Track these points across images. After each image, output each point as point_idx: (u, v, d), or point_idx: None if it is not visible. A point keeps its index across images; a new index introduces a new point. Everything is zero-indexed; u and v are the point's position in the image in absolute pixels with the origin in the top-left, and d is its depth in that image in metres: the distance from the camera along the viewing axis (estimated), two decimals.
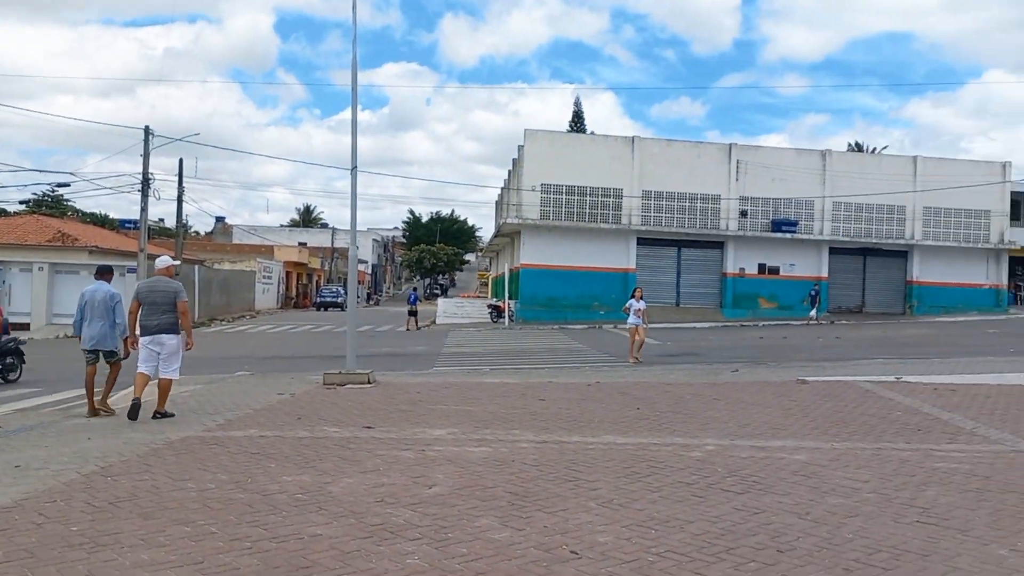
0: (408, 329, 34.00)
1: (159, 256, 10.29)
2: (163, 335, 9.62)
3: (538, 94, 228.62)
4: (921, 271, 38.40)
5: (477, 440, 8.27)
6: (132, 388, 9.99)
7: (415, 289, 40.89)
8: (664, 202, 36.99)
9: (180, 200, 39.43)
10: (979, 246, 38.62)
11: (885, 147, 78.22)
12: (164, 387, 9.80)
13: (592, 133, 37.91)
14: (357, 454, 7.55)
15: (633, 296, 18.76)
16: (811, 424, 9.19)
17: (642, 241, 36.85)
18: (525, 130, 36.80)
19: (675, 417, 9.72)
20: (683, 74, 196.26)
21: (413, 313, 35.34)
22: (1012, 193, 39.50)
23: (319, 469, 6.93)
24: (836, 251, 37.98)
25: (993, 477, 6.70)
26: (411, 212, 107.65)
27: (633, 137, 37.15)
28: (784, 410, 10.17)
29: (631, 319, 18.27)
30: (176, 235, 41.77)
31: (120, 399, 11.02)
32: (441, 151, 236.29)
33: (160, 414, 9.69)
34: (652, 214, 36.92)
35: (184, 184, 39.67)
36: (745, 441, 8.26)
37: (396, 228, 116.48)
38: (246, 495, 6.06)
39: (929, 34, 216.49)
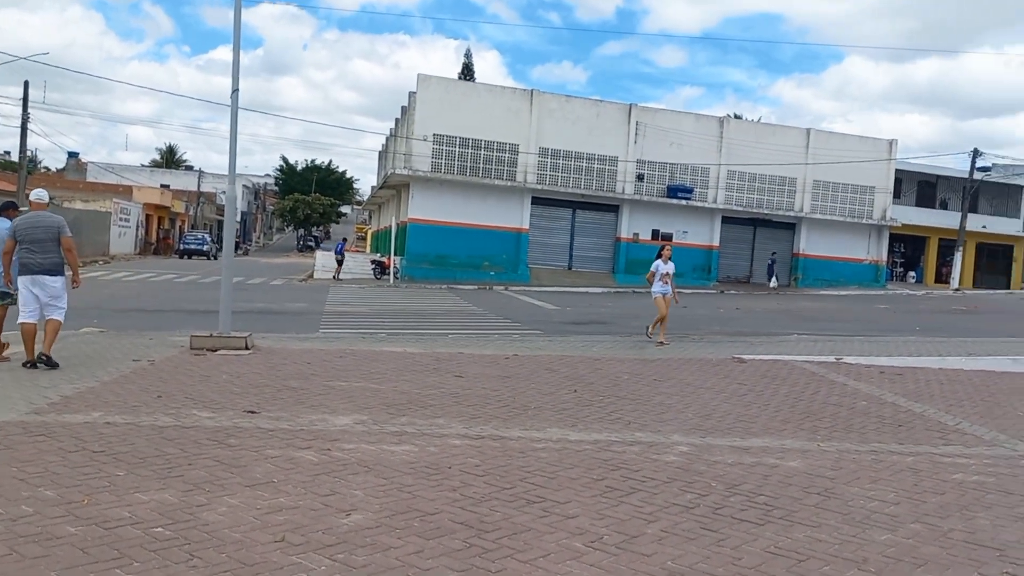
0: (334, 278, 34.35)
1: (34, 190, 9.49)
2: (46, 276, 8.88)
3: (420, 47, 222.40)
4: (807, 244, 38.88)
5: (395, 434, 6.53)
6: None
7: (343, 240, 39.29)
8: (561, 161, 35.66)
9: (24, 128, 34.97)
10: (863, 222, 39.44)
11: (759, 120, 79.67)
12: (53, 329, 8.92)
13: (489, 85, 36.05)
14: (240, 455, 5.67)
15: (660, 256, 14.05)
16: (780, 417, 7.95)
17: (537, 200, 35.45)
18: (418, 75, 34.50)
19: (622, 403, 8.28)
20: (566, 37, 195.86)
21: (339, 263, 35.35)
22: (895, 171, 40.45)
23: (188, 480, 5.04)
24: (728, 220, 37.86)
25: None
26: (284, 160, 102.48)
27: (532, 91, 35.50)
28: (739, 397, 8.92)
29: (656, 287, 13.94)
30: (19, 167, 37.15)
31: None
32: (318, 99, 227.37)
33: (45, 359, 8.72)
34: (548, 172, 35.54)
35: (30, 111, 35.20)
36: (720, 440, 6.89)
37: (268, 175, 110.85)
38: (79, 528, 4.15)
39: (798, 16, 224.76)
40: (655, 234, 37.02)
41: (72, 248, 9.11)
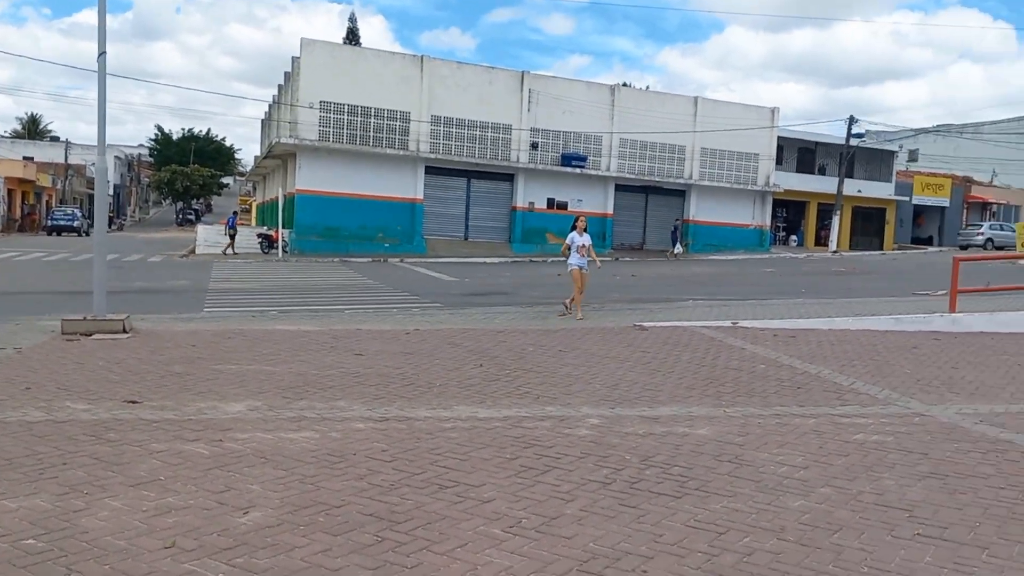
0: (225, 253, 32.96)
1: None
2: None
3: (302, 11, 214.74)
4: (697, 210, 39.82)
5: (293, 419, 6.15)
6: None
7: (235, 213, 37.53)
8: (454, 129, 35.13)
9: None
10: (748, 188, 40.66)
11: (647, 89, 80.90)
12: None
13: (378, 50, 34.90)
14: (122, 451, 5.19)
15: (574, 228, 13.46)
16: (685, 384, 7.97)
17: (430, 170, 34.87)
18: (302, 39, 33.16)
19: (529, 376, 8.12)
20: (454, 3, 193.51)
21: (231, 237, 34.01)
22: (777, 139, 41.80)
23: (63, 483, 4.56)
24: (621, 188, 38.31)
25: (931, 455, 5.72)
26: (159, 129, 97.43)
27: (422, 57, 34.74)
28: (643, 365, 8.92)
29: (573, 259, 13.22)
30: None
31: None
32: (193, 65, 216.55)
33: None
34: (441, 141, 34.97)
35: None
36: (628, 410, 6.83)
37: (142, 146, 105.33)
38: None
39: None
40: (550, 203, 37.13)
41: None
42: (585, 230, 13.50)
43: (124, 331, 10.16)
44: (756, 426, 6.37)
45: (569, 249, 13.31)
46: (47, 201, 64.73)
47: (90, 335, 9.87)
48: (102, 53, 10.10)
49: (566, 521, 4.20)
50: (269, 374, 7.83)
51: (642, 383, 7.95)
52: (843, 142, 43.42)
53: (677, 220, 38.70)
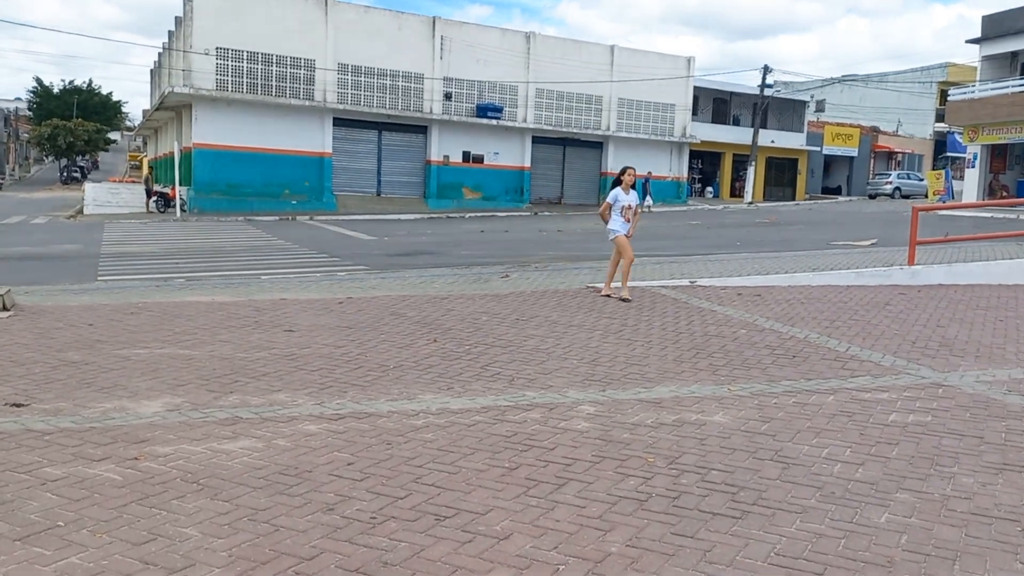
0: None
1: None
2: None
3: None
4: (615, 162, 39.13)
5: (227, 422, 4.96)
6: None
7: (150, 169, 34.91)
8: (363, 78, 33.21)
9: None
10: (665, 139, 40.23)
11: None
12: None
13: None
14: (4, 482, 3.92)
15: (619, 183, 10.37)
16: (671, 356, 7.10)
17: (339, 122, 32.94)
18: None
19: (494, 352, 7.09)
20: None
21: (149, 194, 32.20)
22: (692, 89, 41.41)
23: None
24: (539, 140, 37.23)
25: (987, 438, 5.00)
26: (38, 81, 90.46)
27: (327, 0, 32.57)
28: (615, 334, 8.00)
29: (616, 222, 10.23)
30: None
31: None
32: (72, 14, 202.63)
33: None
34: (350, 91, 33.01)
35: None
36: (621, 391, 5.90)
37: (19, 100, 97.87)
38: None
39: None
40: (466, 156, 35.79)
41: None
42: (633, 186, 10.50)
43: (4, 308, 8.58)
44: (775, 408, 5.53)
45: (610, 210, 10.27)
46: None
47: None
48: None
49: (617, 568, 3.22)
50: (187, 360, 6.54)
51: (623, 357, 7.03)
52: (756, 93, 43.43)
53: (649, 172, 37.30)
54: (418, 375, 6.27)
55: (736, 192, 45.18)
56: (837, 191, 50.72)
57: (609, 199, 10.37)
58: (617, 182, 10.48)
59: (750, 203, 41.52)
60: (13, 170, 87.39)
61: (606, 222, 10.41)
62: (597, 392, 5.88)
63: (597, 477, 4.17)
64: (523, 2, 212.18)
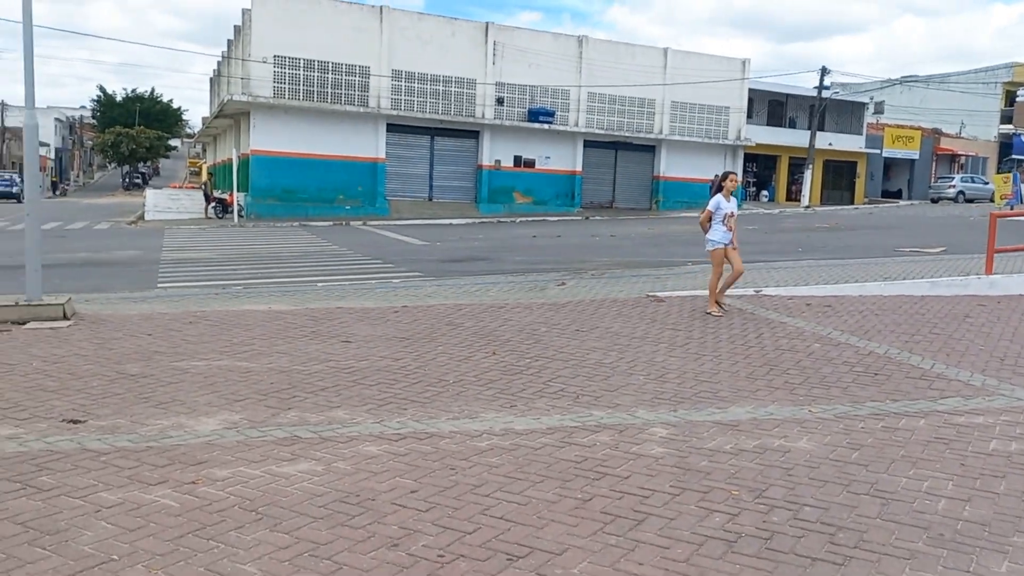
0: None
1: None
2: None
3: None
4: (667, 166, 38.61)
5: (285, 443, 4.78)
6: None
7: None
8: (416, 84, 33.26)
9: None
10: (719, 142, 39.52)
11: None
12: None
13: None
14: (57, 506, 3.78)
15: (720, 189, 9.71)
16: (743, 373, 6.75)
17: (392, 127, 33.02)
18: None
19: (555, 366, 6.83)
20: None
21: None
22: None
23: None
24: (590, 144, 36.86)
25: None
26: (102, 90, 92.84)
27: (381, 7, 32.63)
28: (681, 347, 7.67)
29: (717, 234, 9.50)
30: None
31: None
32: (134, 24, 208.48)
33: None
34: (403, 97, 33.09)
35: None
36: (694, 412, 5.59)
37: (84, 108, 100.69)
38: None
39: None
40: (517, 160, 35.60)
41: None
42: (733, 193, 9.78)
43: (65, 317, 8.60)
44: (863, 434, 5.17)
45: (711, 220, 9.54)
46: None
47: (24, 324, 8.31)
48: None
49: None
50: (244, 373, 6.40)
51: (692, 372, 6.71)
52: (812, 95, 42.45)
53: (716, 175, 36.95)
54: (479, 391, 6.04)
55: (792, 196, 44.22)
56: (898, 195, 49.33)
57: (710, 206, 9.58)
58: (718, 188, 9.72)
59: (807, 207, 40.55)
60: (77, 176, 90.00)
61: (705, 231, 9.67)
62: (668, 412, 5.58)
63: (679, 512, 3.88)
64: (573, 7, 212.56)
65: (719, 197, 9.62)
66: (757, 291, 10.92)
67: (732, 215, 9.59)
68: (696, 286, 11.57)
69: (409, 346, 7.55)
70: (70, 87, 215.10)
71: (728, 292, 10.81)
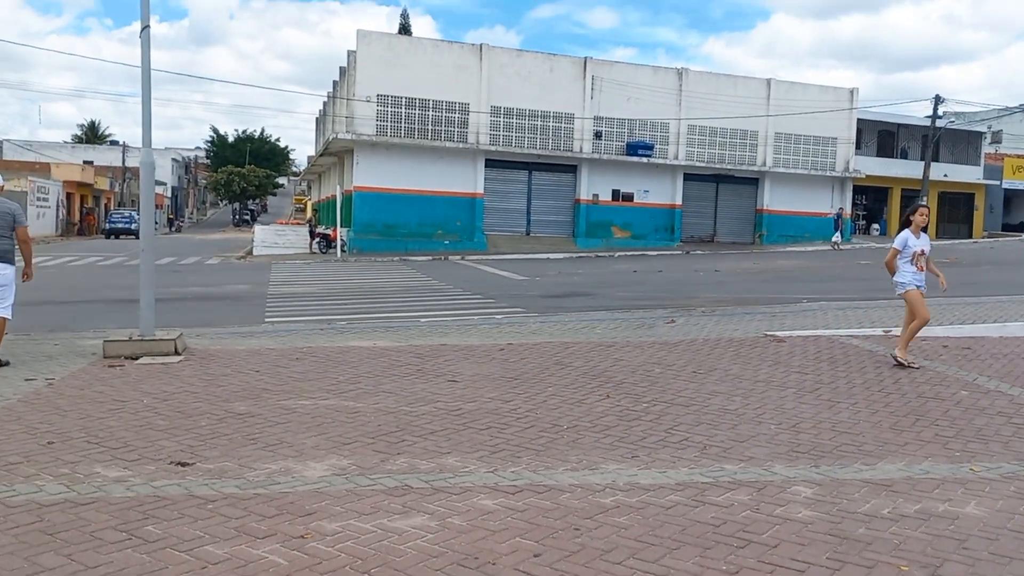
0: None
1: None
2: (1, 264, 8.01)
3: (352, 15, 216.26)
4: (771, 199, 37.49)
5: (396, 492, 4.49)
6: None
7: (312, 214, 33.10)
8: (515, 120, 33.45)
9: None
10: (826, 174, 38.17)
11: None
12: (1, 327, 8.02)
13: (436, 40, 33.14)
14: (162, 561, 3.58)
15: (908, 224, 8.52)
16: (886, 423, 6.13)
17: (491, 163, 33.24)
18: (358, 31, 31.78)
19: (675, 411, 6.36)
20: (498, 1, 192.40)
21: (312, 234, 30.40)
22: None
23: None
24: (690, 177, 36.20)
25: None
26: (214, 131, 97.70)
27: (481, 45, 33.07)
28: (811, 392, 7.08)
29: (906, 274, 8.42)
30: None
31: None
32: (247, 69, 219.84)
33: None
34: (501, 133, 33.31)
35: None
36: (838, 468, 5.04)
37: (198, 148, 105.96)
38: None
39: None
40: (615, 194, 35.24)
41: (28, 239, 8.33)
42: (923, 228, 8.60)
43: (176, 353, 8.67)
44: None
45: (899, 257, 8.42)
46: (105, 204, 64.81)
47: (136, 358, 8.40)
48: (145, 27, 8.60)
49: None
50: (352, 414, 6.20)
51: (828, 422, 6.13)
52: (924, 124, 40.61)
53: (840, 208, 36.45)
54: (596, 438, 5.64)
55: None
56: (1019, 228, 46.46)
57: (896, 244, 8.44)
58: (906, 223, 8.56)
59: None
60: (192, 213, 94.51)
61: (892, 272, 8.56)
62: (809, 468, 5.05)
63: None
64: (667, 41, 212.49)
65: (906, 233, 8.45)
66: (886, 331, 10.17)
67: (923, 253, 8.41)
68: (817, 325, 10.88)
69: (518, 387, 7.23)
70: (186, 129, 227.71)
71: (855, 332, 10.11)
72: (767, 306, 13.57)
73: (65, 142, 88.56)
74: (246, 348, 9.22)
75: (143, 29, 8.59)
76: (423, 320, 12.29)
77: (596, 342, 9.73)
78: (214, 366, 8.06)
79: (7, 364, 8.02)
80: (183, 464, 4.94)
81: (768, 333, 10.19)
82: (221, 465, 4.94)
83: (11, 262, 8.16)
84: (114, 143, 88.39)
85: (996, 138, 52.46)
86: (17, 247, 8.20)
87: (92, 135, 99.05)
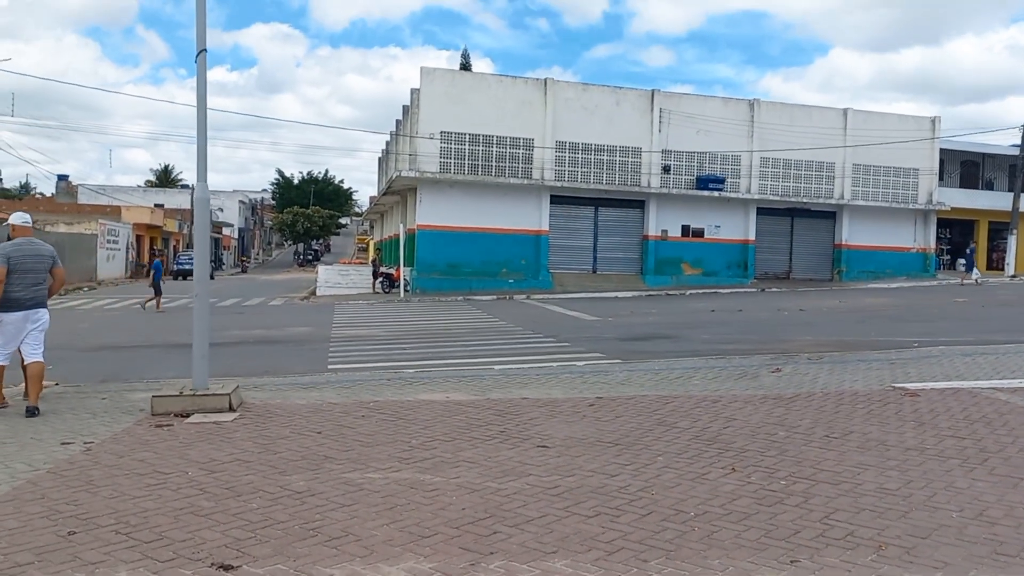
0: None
1: (14, 213, 8.40)
2: (40, 309, 8.09)
3: (412, 59, 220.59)
4: (850, 233, 35.72)
5: None
6: None
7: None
8: (580, 155, 32.56)
9: None
10: (908, 206, 36.27)
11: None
12: (39, 373, 7.91)
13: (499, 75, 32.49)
14: None
15: None
16: None
17: (556, 199, 32.34)
18: (421, 68, 31.41)
19: (825, 493, 5.17)
20: (555, 42, 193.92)
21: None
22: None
23: None
24: (763, 211, 34.73)
25: None
26: (280, 173, 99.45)
27: (546, 79, 32.40)
28: (985, 467, 5.81)
29: None
30: None
31: None
32: (313, 114, 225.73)
33: (33, 410, 7.66)
34: (567, 168, 32.44)
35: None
36: None
37: (265, 191, 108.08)
38: None
39: (783, 11, 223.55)
40: (685, 230, 33.97)
41: (63, 280, 8.57)
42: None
43: (230, 408, 7.80)
44: None
45: None
46: (174, 246, 65.86)
47: (187, 416, 7.55)
48: (201, 51, 7.90)
49: None
50: (429, 492, 5.17)
51: (1021, 507, 4.88)
52: (1011, 153, 38.45)
53: (973, 243, 35.20)
54: (735, 532, 4.50)
55: (994, 264, 39.83)
56: None
57: None
58: None
59: (1012, 276, 36.26)
60: (258, 254, 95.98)
61: None
62: None
63: None
64: (724, 79, 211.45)
65: None
66: None
67: None
68: (949, 375, 9.52)
69: (621, 454, 6.12)
70: (254, 172, 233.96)
71: (997, 384, 8.77)
72: (878, 351, 12.19)
73: (138, 186, 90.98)
74: (307, 403, 8.31)
75: (199, 53, 7.89)
76: (496, 367, 11.26)
77: (698, 396, 8.56)
78: (271, 426, 7.14)
79: (36, 414, 7.65)
80: (226, 568, 3.95)
81: (896, 385, 8.88)
82: (272, 569, 3.94)
83: (46, 306, 8.19)
84: (185, 187, 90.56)
85: None
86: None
87: (165, 179, 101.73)
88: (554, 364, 11.68)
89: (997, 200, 39.59)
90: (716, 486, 5.35)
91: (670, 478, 5.52)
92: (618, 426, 7.10)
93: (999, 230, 39.09)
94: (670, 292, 31.29)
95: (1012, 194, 37.86)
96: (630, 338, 15.73)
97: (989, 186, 41.79)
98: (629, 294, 30.38)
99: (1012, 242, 37.32)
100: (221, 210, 77.10)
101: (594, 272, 33.42)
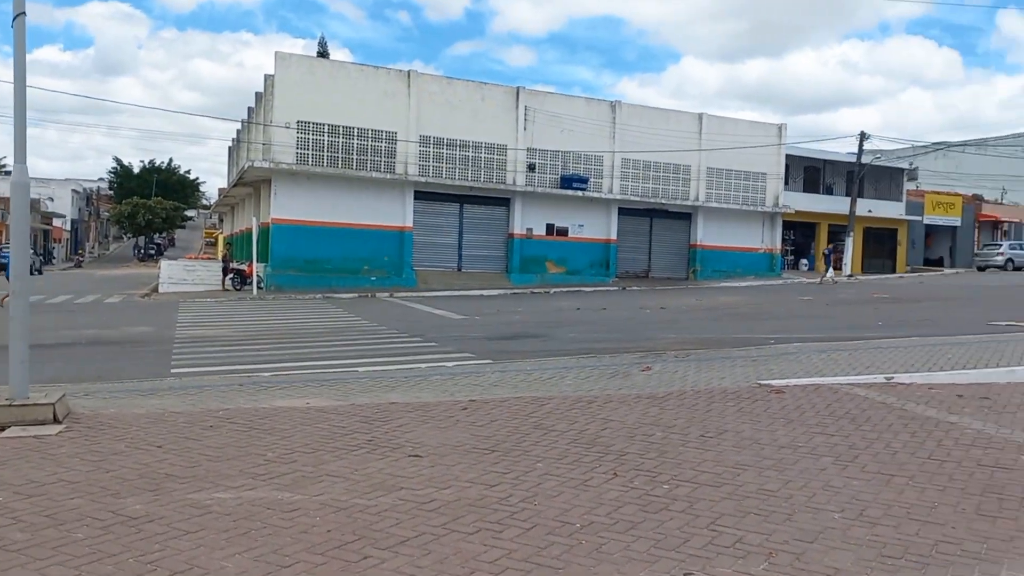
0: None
1: None
2: None
3: (265, 46, 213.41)
4: (704, 234, 37.09)
5: None
6: None
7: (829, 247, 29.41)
8: (445, 150, 32.11)
9: None
10: (757, 209, 38.05)
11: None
12: None
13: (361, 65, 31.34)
14: None
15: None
16: (967, 507, 4.93)
17: (420, 195, 31.75)
18: (276, 53, 30.00)
19: (709, 496, 5.01)
20: (416, 36, 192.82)
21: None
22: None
23: None
24: (625, 212, 35.46)
25: None
26: (118, 161, 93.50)
27: (409, 71, 31.75)
28: (854, 462, 5.85)
29: None
30: None
31: None
32: (156, 99, 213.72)
33: None
34: (432, 163, 31.90)
35: None
36: None
37: (102, 179, 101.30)
38: None
39: (638, 18, 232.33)
40: (550, 229, 34.20)
41: None
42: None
43: (55, 420, 6.88)
44: None
45: None
46: None
47: (3, 429, 6.59)
48: (19, 14, 6.91)
49: None
50: (288, 512, 4.62)
51: (899, 506, 4.88)
52: (849, 160, 41.14)
53: (831, 244, 36.65)
54: (624, 544, 4.23)
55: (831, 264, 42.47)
56: (939, 263, 47.56)
57: None
58: None
59: (850, 276, 38.78)
60: (93, 248, 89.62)
61: None
62: None
63: None
64: (583, 81, 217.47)
65: None
66: (888, 378, 9.11)
67: None
68: (809, 371, 9.77)
69: (499, 462, 5.76)
70: (89, 160, 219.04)
71: (855, 380, 9.04)
72: (739, 348, 12.47)
73: None
74: (146, 412, 7.48)
75: (16, 16, 6.90)
76: (361, 370, 10.69)
77: (572, 396, 8.35)
78: (104, 440, 6.32)
79: None
80: None
81: (761, 382, 9.00)
82: None
83: None
84: (8, 174, 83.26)
85: (911, 175, 53.84)
86: None
87: None
88: (423, 365, 11.23)
89: (835, 204, 42.24)
90: (600, 493, 5.08)
91: (552, 486, 5.21)
92: (494, 431, 6.75)
93: (838, 232, 41.72)
94: (535, 290, 31.39)
95: (849, 199, 40.48)
96: (499, 337, 15.47)
97: (829, 191, 44.54)
98: (495, 292, 30.23)
99: (849, 244, 39.91)
100: (51, 199, 71.47)
101: (459, 270, 33.09)
